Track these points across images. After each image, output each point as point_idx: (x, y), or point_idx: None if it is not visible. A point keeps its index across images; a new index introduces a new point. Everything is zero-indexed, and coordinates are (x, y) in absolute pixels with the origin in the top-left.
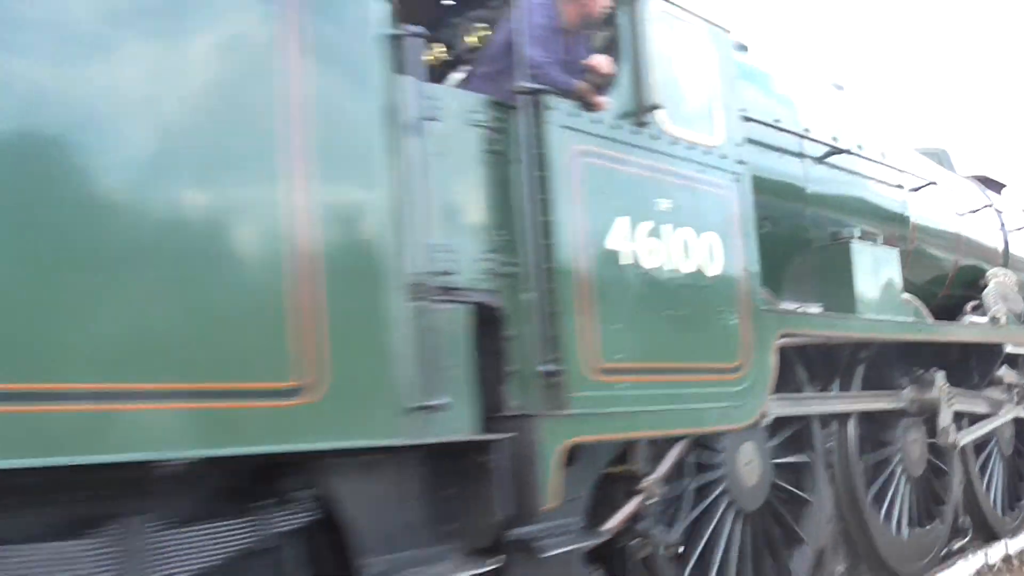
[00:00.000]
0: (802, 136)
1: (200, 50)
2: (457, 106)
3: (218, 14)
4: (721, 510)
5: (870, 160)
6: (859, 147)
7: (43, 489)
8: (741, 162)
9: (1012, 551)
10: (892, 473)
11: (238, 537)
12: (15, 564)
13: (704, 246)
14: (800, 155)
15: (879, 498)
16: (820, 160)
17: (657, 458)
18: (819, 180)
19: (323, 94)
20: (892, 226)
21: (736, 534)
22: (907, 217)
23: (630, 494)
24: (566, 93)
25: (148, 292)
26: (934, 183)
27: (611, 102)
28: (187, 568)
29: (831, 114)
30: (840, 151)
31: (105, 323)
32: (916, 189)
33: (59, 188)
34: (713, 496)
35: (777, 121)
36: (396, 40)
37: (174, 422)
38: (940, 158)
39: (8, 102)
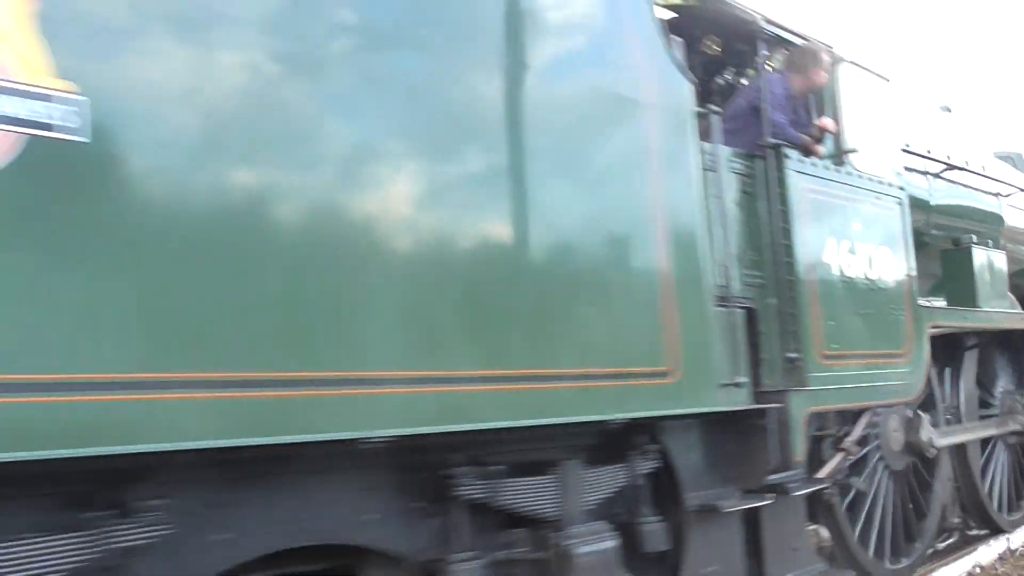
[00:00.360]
0: (926, 157)
1: (616, 132)
2: (725, 159)
3: (623, 114)
4: (881, 469)
5: (975, 173)
6: (966, 162)
7: (523, 441)
8: (901, 188)
9: None
10: (995, 445)
11: (623, 476)
12: (511, 492)
13: (881, 257)
14: (925, 172)
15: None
16: (938, 176)
17: (843, 424)
18: (939, 192)
19: (668, 164)
20: (992, 228)
21: (890, 488)
22: (1002, 219)
23: (833, 451)
24: (795, 145)
25: (600, 312)
26: (1022, 189)
27: (824, 149)
28: (598, 496)
29: (944, 135)
30: (954, 167)
31: (584, 331)
32: (1007, 195)
33: (555, 245)
34: (877, 457)
35: (907, 145)
36: (699, 114)
37: (610, 396)
38: (1015, 161)
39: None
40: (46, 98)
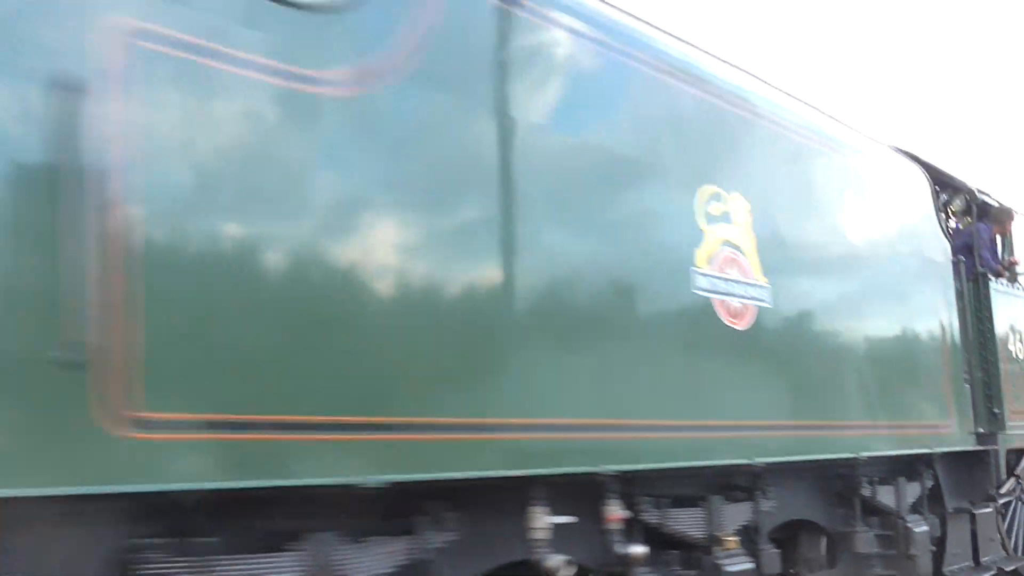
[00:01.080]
0: None
1: (921, 277)
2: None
3: (922, 265)
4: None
5: None
6: None
7: (877, 464)
8: None
9: None
10: None
11: (918, 488)
12: (882, 494)
13: None
14: None
15: None
16: None
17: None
18: None
19: (942, 293)
20: None
21: None
22: None
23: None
24: (994, 272)
25: (920, 387)
26: None
27: (1007, 273)
28: (912, 499)
29: None
30: None
31: (916, 398)
32: None
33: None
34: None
35: None
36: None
37: (927, 438)
38: None
39: None
40: (762, 288)
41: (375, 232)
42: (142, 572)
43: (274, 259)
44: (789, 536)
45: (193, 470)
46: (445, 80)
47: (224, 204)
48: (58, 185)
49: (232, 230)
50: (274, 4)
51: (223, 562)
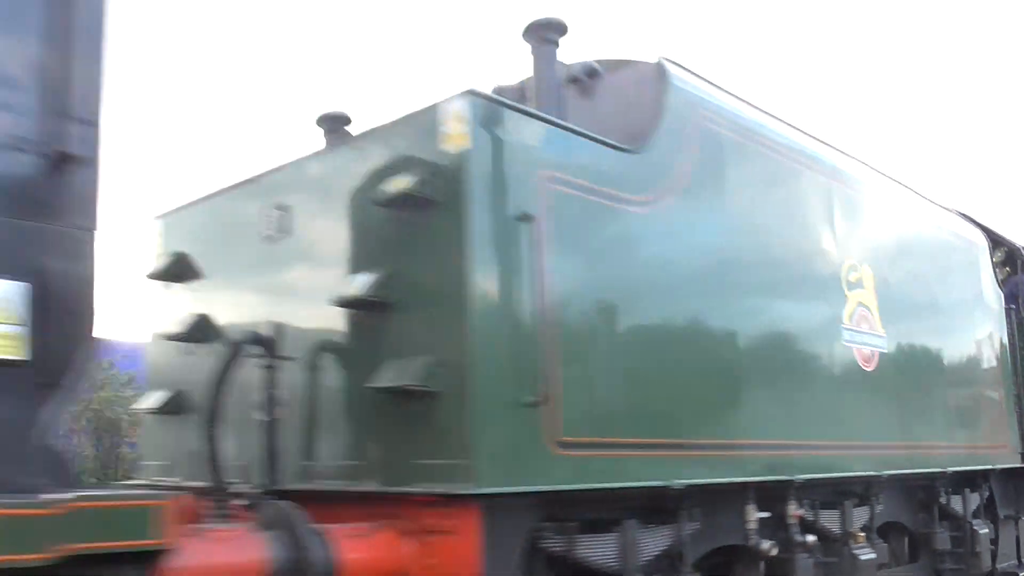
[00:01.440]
0: None
1: (981, 318)
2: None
3: (982, 310)
4: None
5: None
6: None
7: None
8: None
9: None
10: None
11: (979, 498)
12: (953, 503)
13: None
14: None
15: None
16: None
17: None
18: None
19: (998, 330)
20: None
21: None
22: None
23: None
24: None
25: (984, 414)
26: None
27: None
28: (974, 507)
29: None
30: None
31: (982, 424)
32: None
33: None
34: None
35: None
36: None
37: (989, 456)
38: None
39: None
40: (882, 337)
41: (665, 306)
42: (543, 544)
43: (618, 336)
44: (880, 535)
45: (584, 475)
46: (704, 195)
47: (592, 292)
48: (515, 283)
49: (601, 312)
50: (609, 148)
51: (579, 539)
